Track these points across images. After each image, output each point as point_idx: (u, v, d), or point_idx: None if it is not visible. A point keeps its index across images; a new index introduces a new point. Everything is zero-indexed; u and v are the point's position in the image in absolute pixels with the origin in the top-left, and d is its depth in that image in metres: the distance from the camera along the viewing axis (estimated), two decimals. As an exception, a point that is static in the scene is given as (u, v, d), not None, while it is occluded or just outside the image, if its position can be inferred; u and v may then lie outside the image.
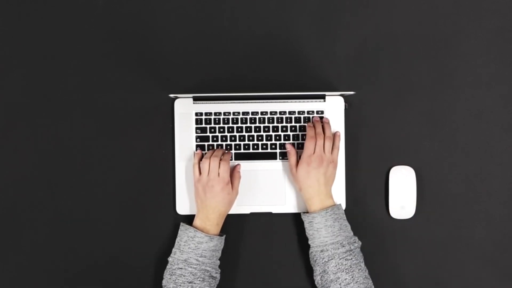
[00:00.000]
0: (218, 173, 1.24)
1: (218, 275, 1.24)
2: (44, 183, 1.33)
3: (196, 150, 1.31)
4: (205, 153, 1.29)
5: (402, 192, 1.32)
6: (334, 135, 1.29)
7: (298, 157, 1.28)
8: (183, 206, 1.32)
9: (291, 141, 1.31)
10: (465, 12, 1.34)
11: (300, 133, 1.32)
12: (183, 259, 1.21)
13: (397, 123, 1.34)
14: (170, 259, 1.23)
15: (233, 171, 1.29)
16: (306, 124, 1.31)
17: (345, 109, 1.33)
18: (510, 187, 1.33)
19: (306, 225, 1.25)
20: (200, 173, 1.26)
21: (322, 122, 1.30)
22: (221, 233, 1.27)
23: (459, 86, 1.34)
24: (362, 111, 1.34)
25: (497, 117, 1.34)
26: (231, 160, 1.31)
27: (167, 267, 1.23)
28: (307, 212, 1.26)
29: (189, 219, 1.30)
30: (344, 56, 1.34)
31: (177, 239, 1.24)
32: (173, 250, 1.24)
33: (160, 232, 1.33)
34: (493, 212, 1.33)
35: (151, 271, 1.32)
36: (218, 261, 1.25)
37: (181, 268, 1.21)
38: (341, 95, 1.32)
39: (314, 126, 1.28)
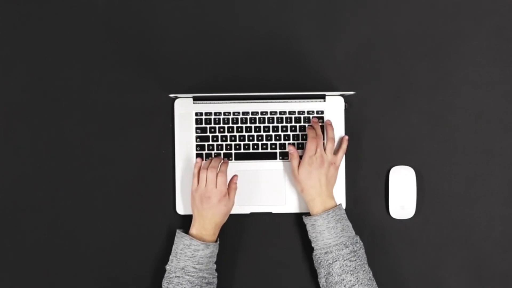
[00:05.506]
0: (216, 185, 1.23)
1: (215, 280, 1.24)
2: (44, 183, 1.33)
3: (196, 158, 1.30)
4: (204, 163, 1.28)
5: (402, 192, 1.32)
6: (342, 139, 1.30)
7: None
8: (183, 206, 1.32)
9: (292, 142, 1.31)
10: (465, 12, 1.34)
11: (300, 133, 1.32)
12: (180, 267, 1.20)
13: (397, 123, 1.34)
14: (167, 267, 1.23)
15: (229, 182, 1.28)
16: (306, 125, 1.31)
17: (345, 109, 1.32)
18: (510, 187, 1.33)
19: (308, 227, 1.25)
20: (198, 183, 1.25)
21: (323, 123, 1.30)
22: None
23: (459, 86, 1.34)
24: (362, 111, 1.34)
25: (497, 117, 1.34)
26: (231, 160, 1.31)
27: (165, 275, 1.22)
28: (308, 215, 1.26)
29: (188, 219, 1.30)
30: (344, 56, 1.34)
31: (174, 247, 1.23)
32: (170, 257, 1.23)
33: (160, 232, 1.32)
34: (493, 212, 1.33)
35: (150, 270, 1.32)
36: (215, 265, 1.24)
37: (179, 277, 1.20)
38: (341, 95, 1.32)
39: (313, 128, 1.28)
